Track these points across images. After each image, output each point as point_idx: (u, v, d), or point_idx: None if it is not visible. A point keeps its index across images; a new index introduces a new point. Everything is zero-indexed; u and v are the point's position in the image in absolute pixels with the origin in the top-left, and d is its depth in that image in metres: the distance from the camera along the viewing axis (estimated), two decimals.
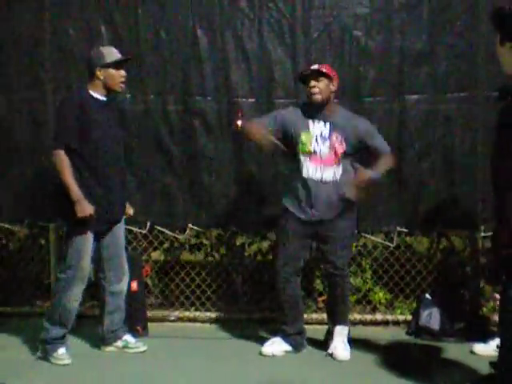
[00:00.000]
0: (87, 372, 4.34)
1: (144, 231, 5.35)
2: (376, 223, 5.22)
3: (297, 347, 4.67)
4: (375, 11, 5.07)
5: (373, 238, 5.35)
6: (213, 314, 5.47)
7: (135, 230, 5.37)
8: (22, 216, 5.41)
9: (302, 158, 4.49)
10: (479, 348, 4.64)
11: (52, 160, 4.27)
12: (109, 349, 4.71)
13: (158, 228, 5.37)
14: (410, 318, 5.28)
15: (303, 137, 4.48)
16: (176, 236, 5.45)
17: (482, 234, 5.14)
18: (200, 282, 5.54)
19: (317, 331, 4.99)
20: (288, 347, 4.65)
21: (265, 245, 5.65)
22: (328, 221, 4.49)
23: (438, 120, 5.10)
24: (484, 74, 5.03)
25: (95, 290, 5.07)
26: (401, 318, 5.36)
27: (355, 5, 5.07)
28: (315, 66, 4.51)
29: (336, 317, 4.70)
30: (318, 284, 5.46)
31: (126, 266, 4.68)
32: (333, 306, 4.73)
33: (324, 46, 5.11)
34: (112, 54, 4.41)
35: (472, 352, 4.63)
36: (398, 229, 5.23)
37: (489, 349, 4.54)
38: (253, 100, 5.15)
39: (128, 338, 4.74)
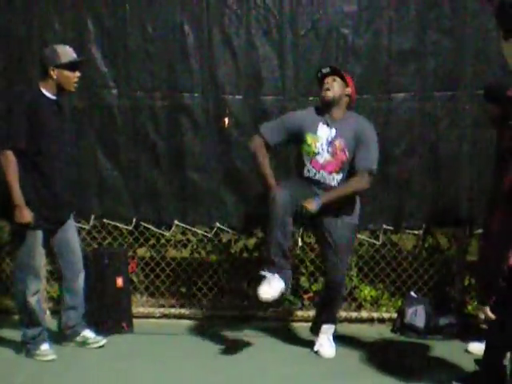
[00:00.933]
0: (69, 369, 4.32)
1: (130, 228, 5.34)
2: (362, 221, 5.20)
3: (286, 281, 4.31)
4: (363, 9, 5.06)
5: (358, 235, 5.35)
6: (198, 311, 5.45)
7: (121, 226, 5.36)
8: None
9: (304, 159, 4.47)
10: (474, 347, 4.58)
11: (1, 160, 4.18)
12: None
13: (144, 224, 5.36)
14: (395, 315, 5.30)
15: (308, 138, 4.44)
16: (162, 233, 5.44)
17: (467, 232, 5.17)
18: (186, 278, 5.54)
19: (302, 329, 5.00)
20: (281, 283, 4.26)
21: (251, 242, 5.64)
22: (331, 224, 4.43)
23: (425, 118, 5.11)
24: (471, 72, 5.05)
25: None
26: (386, 315, 5.38)
27: (343, 2, 5.07)
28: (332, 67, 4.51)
29: (325, 316, 4.70)
30: (304, 281, 5.46)
31: (81, 264, 4.64)
32: (325, 306, 4.73)
33: (311, 43, 5.11)
34: (67, 54, 4.33)
35: (467, 351, 4.62)
36: (384, 226, 5.25)
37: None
38: (240, 97, 5.13)
39: (86, 333, 4.71)
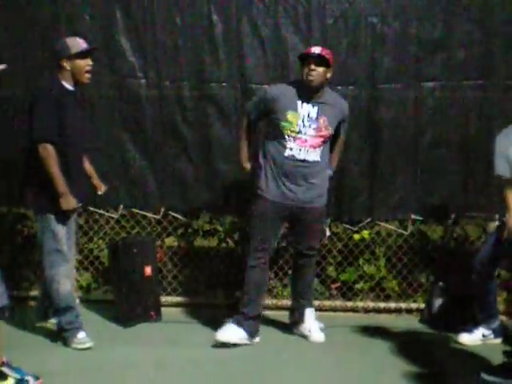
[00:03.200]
0: (99, 356, 4.34)
1: (158, 217, 5.37)
2: (391, 211, 5.22)
3: (251, 333, 4.59)
4: None
5: (387, 225, 5.34)
6: (226, 300, 5.46)
7: (149, 215, 5.39)
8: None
9: (285, 137, 4.44)
10: (465, 338, 4.65)
11: (40, 153, 4.21)
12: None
13: (172, 214, 5.39)
14: (423, 306, 5.29)
15: (289, 116, 4.43)
16: (190, 222, 5.46)
17: (497, 223, 5.12)
18: (213, 267, 5.56)
19: (331, 318, 5.00)
20: (243, 334, 4.56)
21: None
22: (303, 202, 4.52)
23: (454, 107, 5.09)
24: (500, 61, 5.01)
25: (109, 276, 5.17)
26: (414, 306, 5.36)
27: None
28: (318, 50, 4.40)
29: (306, 299, 4.80)
30: (331, 271, 5.45)
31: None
32: (302, 287, 4.81)
33: (339, 32, 5.10)
34: (77, 44, 4.39)
35: (457, 342, 4.65)
36: (413, 216, 5.23)
37: (475, 338, 4.60)
38: (267, 86, 5.13)
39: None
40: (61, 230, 4.39)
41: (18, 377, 3.73)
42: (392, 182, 5.15)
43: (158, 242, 5.48)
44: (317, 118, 4.45)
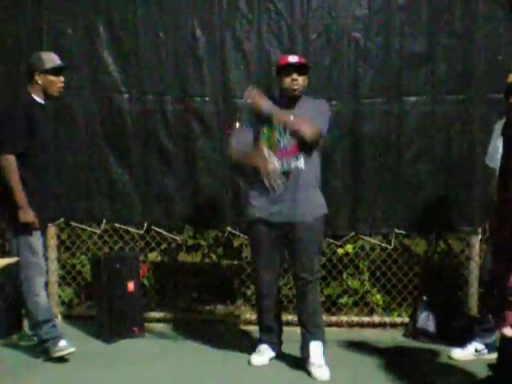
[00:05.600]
0: (81, 374, 4.30)
1: (141, 232, 5.35)
2: (374, 225, 5.21)
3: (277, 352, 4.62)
4: (374, 13, 5.06)
5: (370, 239, 5.34)
6: (210, 316, 5.44)
7: (132, 230, 5.36)
8: None
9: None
10: (457, 353, 4.61)
11: (1, 164, 4.21)
12: None
13: (155, 229, 5.36)
14: (407, 320, 5.29)
15: (265, 130, 4.24)
16: (173, 237, 5.44)
17: (479, 237, 5.14)
18: (197, 283, 5.53)
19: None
20: (272, 353, 4.58)
21: None
22: (298, 223, 4.25)
23: (437, 121, 5.10)
24: (482, 75, 5.03)
25: (92, 291, 5.12)
26: (398, 320, 5.36)
27: (354, 6, 5.06)
28: (296, 58, 4.27)
29: (310, 329, 4.39)
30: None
31: None
32: (305, 316, 4.41)
33: (323, 47, 5.11)
34: (51, 60, 4.40)
35: (450, 357, 4.61)
36: (396, 231, 5.23)
37: (467, 353, 4.57)
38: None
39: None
40: (36, 242, 4.37)
41: None
42: (375, 196, 5.15)
43: (141, 257, 5.45)
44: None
